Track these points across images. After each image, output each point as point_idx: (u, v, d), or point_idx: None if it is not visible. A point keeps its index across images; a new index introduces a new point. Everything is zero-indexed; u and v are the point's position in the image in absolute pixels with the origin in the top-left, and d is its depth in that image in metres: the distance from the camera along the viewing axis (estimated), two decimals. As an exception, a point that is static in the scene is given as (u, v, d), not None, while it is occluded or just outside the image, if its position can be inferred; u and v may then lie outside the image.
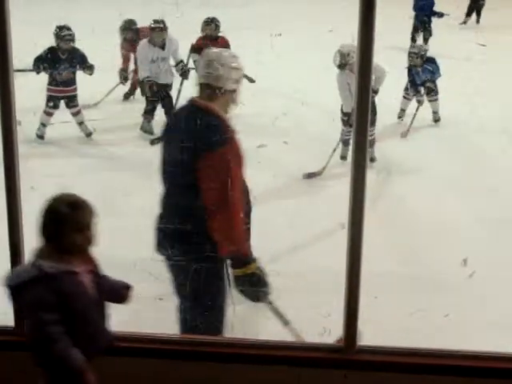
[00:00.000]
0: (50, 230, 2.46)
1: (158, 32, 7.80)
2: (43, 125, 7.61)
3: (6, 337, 2.90)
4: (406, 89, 8.28)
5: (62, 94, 7.59)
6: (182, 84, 7.83)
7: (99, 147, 7.51)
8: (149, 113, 7.86)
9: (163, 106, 7.85)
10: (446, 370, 2.83)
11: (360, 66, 2.59)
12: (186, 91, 8.37)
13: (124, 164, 6.92)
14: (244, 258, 3.25)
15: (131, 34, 8.82)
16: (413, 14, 12.35)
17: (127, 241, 5.18)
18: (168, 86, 7.88)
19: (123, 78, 8.90)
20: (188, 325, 3.33)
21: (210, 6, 10.03)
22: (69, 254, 2.47)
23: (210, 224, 3.13)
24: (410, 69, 8.16)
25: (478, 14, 14.14)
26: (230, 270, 3.27)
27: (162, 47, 7.83)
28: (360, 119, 2.66)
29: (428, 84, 8.04)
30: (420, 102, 8.14)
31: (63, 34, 7.42)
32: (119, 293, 2.66)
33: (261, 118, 7.86)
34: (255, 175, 5.80)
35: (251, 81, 8.64)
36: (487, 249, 5.08)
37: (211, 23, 8.41)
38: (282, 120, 7.50)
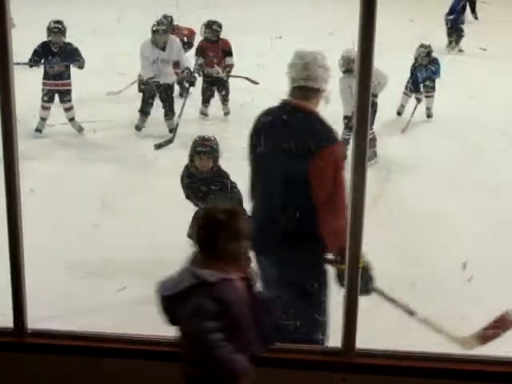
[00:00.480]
0: (207, 238, 2.45)
1: (161, 34, 7.79)
2: (42, 119, 7.73)
3: (5, 338, 2.91)
4: (407, 85, 8.37)
5: (54, 87, 7.68)
6: (188, 91, 7.92)
7: (99, 147, 7.50)
8: (145, 112, 7.88)
9: (164, 107, 7.86)
10: (445, 373, 2.83)
11: (360, 69, 2.60)
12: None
13: (125, 164, 6.91)
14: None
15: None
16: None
17: (127, 241, 5.19)
18: (169, 87, 7.89)
19: None
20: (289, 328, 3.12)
21: (210, 8, 10.04)
22: (224, 262, 2.45)
23: (319, 220, 3.17)
24: (414, 66, 8.26)
25: (473, 11, 14.06)
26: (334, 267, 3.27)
27: (163, 49, 7.83)
28: (360, 121, 2.66)
29: (427, 83, 8.23)
30: (418, 100, 8.23)
31: (51, 26, 7.54)
32: (267, 306, 2.57)
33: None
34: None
35: (254, 83, 8.69)
36: (487, 249, 5.07)
37: (211, 26, 8.39)
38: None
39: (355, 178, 2.70)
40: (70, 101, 7.75)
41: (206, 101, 8.40)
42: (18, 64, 6.85)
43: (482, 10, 14.09)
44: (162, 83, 7.79)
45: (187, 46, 8.73)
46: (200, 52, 8.34)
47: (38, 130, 7.71)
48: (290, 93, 3.39)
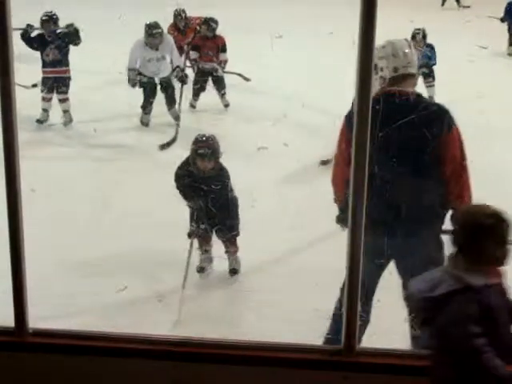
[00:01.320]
0: (472, 243, 2.40)
1: (157, 37, 8.07)
2: (44, 110, 7.96)
3: (7, 337, 2.91)
4: None
5: (51, 74, 7.93)
6: (182, 88, 8.13)
7: (100, 148, 7.51)
8: (146, 105, 8.17)
9: (165, 98, 8.17)
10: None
11: (361, 67, 2.59)
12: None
13: (125, 162, 6.92)
14: None
15: (183, 22, 9.49)
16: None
17: (128, 240, 5.19)
18: (169, 79, 8.19)
19: None
20: None
21: (208, 7, 10.06)
22: (486, 267, 2.42)
23: (449, 190, 3.49)
24: None
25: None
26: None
27: (157, 49, 8.13)
28: (360, 119, 2.65)
29: (423, 69, 8.27)
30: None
31: (42, 16, 7.93)
32: None
33: (261, 120, 7.87)
34: (255, 177, 5.84)
35: (246, 79, 9.18)
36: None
37: (208, 22, 8.77)
38: (283, 122, 7.50)
39: (355, 178, 2.69)
40: (65, 93, 7.98)
41: (196, 94, 8.78)
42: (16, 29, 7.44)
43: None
44: (162, 78, 8.14)
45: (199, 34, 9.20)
46: (196, 47, 8.69)
47: (39, 121, 7.92)
48: (391, 81, 3.54)
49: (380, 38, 2.68)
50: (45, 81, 7.94)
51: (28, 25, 7.88)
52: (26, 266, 2.89)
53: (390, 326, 3.96)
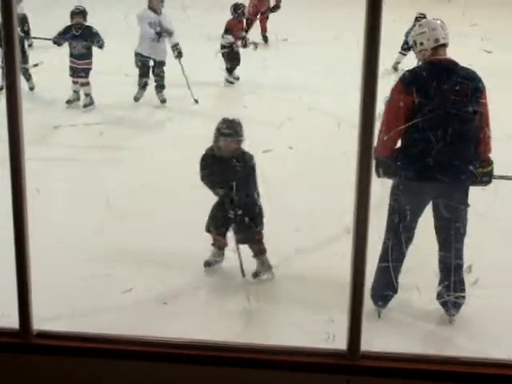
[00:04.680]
0: None
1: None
2: (74, 91, 8.84)
3: (11, 339, 2.91)
4: (403, 45, 10.45)
5: (76, 65, 8.71)
6: (180, 62, 8.79)
7: (104, 149, 7.52)
8: (142, 85, 8.92)
9: (155, 81, 8.86)
10: (453, 376, 2.82)
11: (366, 71, 2.59)
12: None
13: (131, 164, 6.93)
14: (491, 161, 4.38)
15: None
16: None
17: (134, 244, 5.20)
18: (162, 63, 8.81)
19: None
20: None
21: (215, 10, 10.09)
22: None
23: (483, 145, 4.26)
24: (408, 32, 10.08)
25: None
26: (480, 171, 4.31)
27: (158, 13, 8.81)
28: (365, 120, 2.63)
29: None
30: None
31: (73, 9, 8.66)
32: None
33: (266, 123, 7.87)
34: (261, 179, 5.81)
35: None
36: (492, 254, 5.07)
37: (239, 9, 9.96)
38: (288, 125, 7.50)
39: (360, 181, 2.68)
40: (86, 77, 8.72)
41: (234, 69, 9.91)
42: (40, 38, 9.11)
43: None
44: (157, 60, 8.75)
45: (275, 7, 12.23)
46: (229, 30, 9.76)
47: (69, 102, 8.78)
48: (433, 51, 4.27)
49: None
50: (72, 69, 8.75)
51: (55, 37, 8.69)
52: (31, 267, 2.90)
53: (394, 330, 3.97)
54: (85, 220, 5.52)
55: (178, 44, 8.79)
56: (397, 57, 10.57)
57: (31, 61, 9.20)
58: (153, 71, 8.86)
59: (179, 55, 8.75)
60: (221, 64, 9.72)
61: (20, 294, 2.87)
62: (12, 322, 2.88)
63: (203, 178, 4.76)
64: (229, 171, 4.66)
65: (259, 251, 4.85)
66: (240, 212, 4.67)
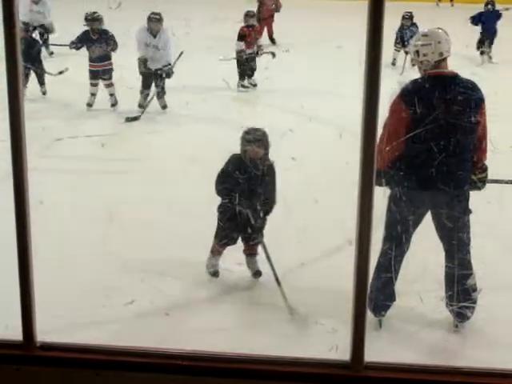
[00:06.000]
0: None
1: (154, 22, 9.02)
2: (92, 94, 9.24)
3: (14, 351, 2.91)
4: (396, 42, 11.47)
5: (96, 68, 9.14)
6: (163, 82, 9.04)
7: (106, 162, 7.53)
8: (144, 89, 9.14)
9: (156, 87, 9.05)
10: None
11: (368, 77, 2.58)
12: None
13: (133, 175, 6.94)
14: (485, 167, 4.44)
15: None
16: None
17: (135, 255, 5.20)
18: (161, 70, 8.97)
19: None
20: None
21: (218, 21, 10.14)
22: None
23: (480, 153, 4.34)
24: (402, 27, 11.53)
25: None
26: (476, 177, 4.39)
27: (155, 36, 9.01)
28: (368, 129, 2.61)
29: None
30: (407, 53, 10.10)
31: (87, 16, 9.18)
32: None
33: (268, 133, 7.86)
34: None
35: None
36: (496, 261, 5.06)
37: (254, 16, 10.48)
38: (290, 136, 7.51)
39: (362, 194, 2.68)
40: (110, 79, 9.19)
41: (249, 76, 10.29)
42: (59, 45, 10.30)
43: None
44: (156, 70, 8.97)
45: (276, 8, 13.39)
46: (242, 37, 10.11)
47: (89, 105, 9.21)
48: (436, 64, 4.26)
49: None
50: (92, 72, 9.16)
51: (72, 41, 9.22)
52: (34, 279, 2.90)
53: (398, 340, 3.96)
54: (87, 231, 5.52)
55: (169, 64, 8.98)
56: (393, 53, 11.52)
57: (52, 69, 9.57)
58: (155, 79, 9.06)
59: (167, 76, 8.99)
60: (222, 72, 9.74)
61: (23, 306, 2.87)
62: (17, 334, 2.88)
63: (224, 190, 4.76)
64: (256, 182, 4.73)
65: (255, 251, 5.00)
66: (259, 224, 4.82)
